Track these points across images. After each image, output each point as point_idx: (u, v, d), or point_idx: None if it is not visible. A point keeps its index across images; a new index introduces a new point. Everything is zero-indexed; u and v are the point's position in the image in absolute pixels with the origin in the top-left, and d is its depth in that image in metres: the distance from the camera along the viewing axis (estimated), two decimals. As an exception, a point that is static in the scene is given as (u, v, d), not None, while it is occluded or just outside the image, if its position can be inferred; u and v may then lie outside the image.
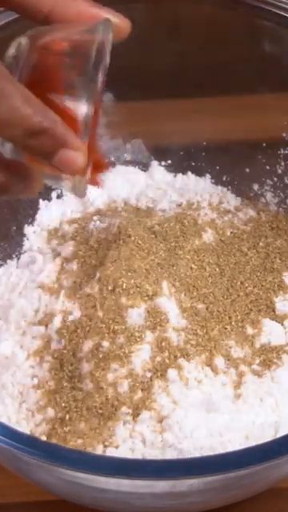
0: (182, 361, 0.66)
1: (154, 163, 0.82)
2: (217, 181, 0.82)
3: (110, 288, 0.68)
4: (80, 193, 0.56)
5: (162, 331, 0.66)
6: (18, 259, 0.76)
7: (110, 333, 0.66)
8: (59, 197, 0.80)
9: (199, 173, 0.82)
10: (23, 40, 0.54)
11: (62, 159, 0.52)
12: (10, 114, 0.49)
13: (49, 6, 0.55)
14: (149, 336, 0.66)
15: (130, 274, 0.68)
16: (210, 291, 0.70)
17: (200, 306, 0.69)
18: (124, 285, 0.67)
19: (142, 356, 0.65)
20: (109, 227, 0.74)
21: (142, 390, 0.65)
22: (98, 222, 0.76)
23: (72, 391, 0.65)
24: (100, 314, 0.67)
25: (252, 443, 0.63)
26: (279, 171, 0.79)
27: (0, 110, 0.49)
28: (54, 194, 0.80)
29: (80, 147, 0.52)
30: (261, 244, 0.75)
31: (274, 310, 0.71)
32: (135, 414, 0.64)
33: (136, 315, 0.67)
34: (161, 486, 0.55)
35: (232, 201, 0.80)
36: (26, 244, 0.77)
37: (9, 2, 0.55)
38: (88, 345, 0.66)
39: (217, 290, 0.70)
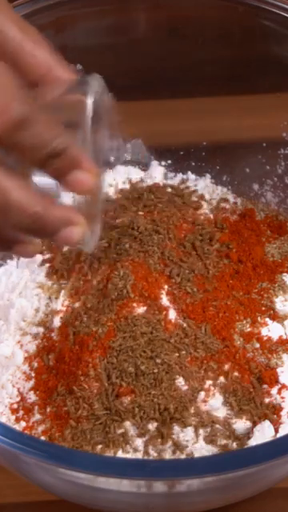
0: (184, 360, 0.66)
1: (154, 163, 0.82)
2: (217, 181, 0.81)
3: (111, 288, 0.68)
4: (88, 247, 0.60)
5: (164, 331, 0.66)
6: (18, 259, 0.76)
7: (111, 333, 0.66)
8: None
9: (199, 173, 0.82)
10: None
11: (74, 179, 0.55)
12: (37, 139, 0.53)
13: (46, 68, 0.57)
14: (150, 335, 0.66)
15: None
16: (209, 291, 0.70)
17: (199, 306, 0.69)
18: (126, 287, 0.68)
19: (143, 356, 0.65)
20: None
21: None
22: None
23: (72, 391, 0.65)
24: (100, 313, 0.67)
25: (252, 443, 0.63)
26: (279, 171, 0.79)
27: (31, 136, 0.52)
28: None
29: (91, 169, 0.56)
30: (261, 244, 0.75)
31: (274, 310, 0.71)
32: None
33: (137, 315, 0.67)
34: (161, 486, 0.55)
35: (232, 201, 0.80)
36: (26, 244, 0.77)
37: (5, 59, 0.56)
38: (88, 345, 0.66)
39: (216, 290, 0.70)
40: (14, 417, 0.66)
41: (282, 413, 0.65)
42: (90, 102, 0.57)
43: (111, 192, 0.79)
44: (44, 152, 0.53)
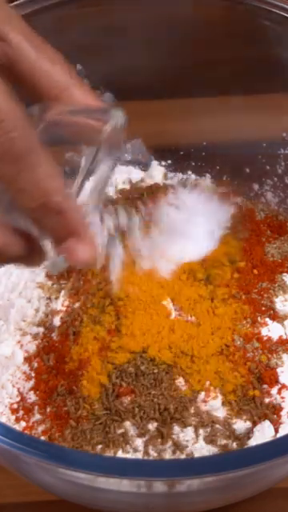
0: (184, 360, 0.66)
1: (154, 163, 0.82)
2: (217, 181, 0.82)
3: (111, 288, 0.68)
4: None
5: (166, 331, 0.66)
6: (18, 259, 0.76)
7: (112, 333, 0.66)
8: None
9: (199, 173, 0.82)
10: (34, 109, 0.52)
11: (68, 249, 0.49)
12: (31, 185, 0.45)
13: (61, 87, 0.53)
14: (151, 335, 0.66)
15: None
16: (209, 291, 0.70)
17: (200, 306, 0.69)
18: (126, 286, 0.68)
19: (143, 356, 0.65)
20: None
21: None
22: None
23: (72, 391, 0.65)
24: (99, 313, 0.67)
25: (252, 443, 0.63)
26: (279, 171, 0.79)
27: (23, 178, 0.45)
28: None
29: (90, 243, 0.49)
30: (261, 244, 0.75)
31: (274, 310, 0.71)
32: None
33: (137, 315, 0.67)
34: (161, 486, 0.55)
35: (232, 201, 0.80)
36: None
37: (20, 78, 0.52)
38: (88, 346, 0.66)
39: (217, 289, 0.70)
40: (13, 417, 0.66)
41: (282, 413, 0.65)
42: (106, 132, 0.52)
43: (111, 192, 0.79)
44: (37, 203, 0.46)
